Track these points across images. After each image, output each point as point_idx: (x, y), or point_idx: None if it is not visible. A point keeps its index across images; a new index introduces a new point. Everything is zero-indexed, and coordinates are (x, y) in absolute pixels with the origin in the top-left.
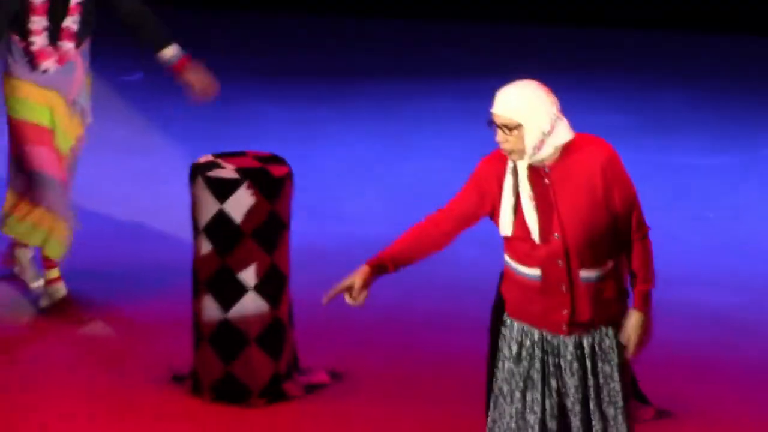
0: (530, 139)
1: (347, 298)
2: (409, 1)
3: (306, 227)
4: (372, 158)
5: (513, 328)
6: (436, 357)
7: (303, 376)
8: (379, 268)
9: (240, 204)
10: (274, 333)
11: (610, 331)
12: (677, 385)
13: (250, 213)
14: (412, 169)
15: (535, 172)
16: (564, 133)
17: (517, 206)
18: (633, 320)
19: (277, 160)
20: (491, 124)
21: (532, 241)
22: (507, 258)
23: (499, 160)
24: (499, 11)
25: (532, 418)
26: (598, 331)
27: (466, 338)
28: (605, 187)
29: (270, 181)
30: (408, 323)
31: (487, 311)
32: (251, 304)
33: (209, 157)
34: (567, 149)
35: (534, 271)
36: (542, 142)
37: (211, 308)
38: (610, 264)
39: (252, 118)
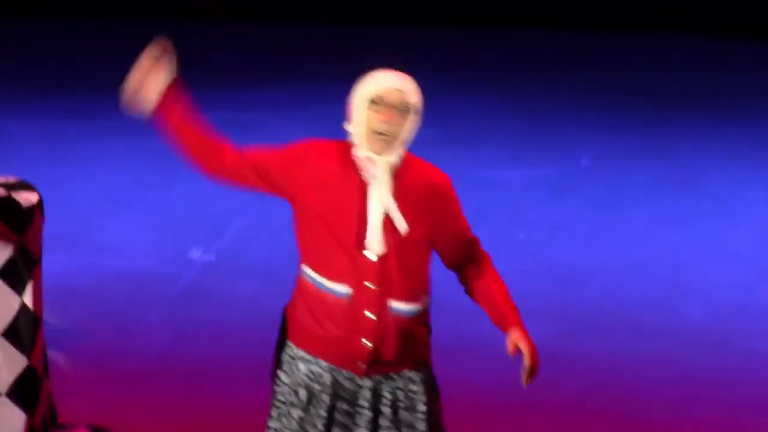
0: (408, 132)
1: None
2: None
3: (60, 263)
4: (134, 180)
5: (299, 371)
6: (213, 407)
7: None
8: (174, 85)
9: None
10: (27, 383)
11: (417, 376)
12: None
13: None
14: (181, 192)
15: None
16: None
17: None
18: (521, 335)
19: (24, 186)
20: (374, 103)
21: (350, 250)
22: (307, 270)
23: (329, 153)
24: (282, 9)
25: None
26: (400, 376)
27: (247, 387)
28: (440, 214)
29: (18, 211)
30: (180, 371)
31: (269, 354)
32: (0, 351)
33: None
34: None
35: (342, 288)
36: (407, 140)
37: None
38: (425, 300)
39: None
